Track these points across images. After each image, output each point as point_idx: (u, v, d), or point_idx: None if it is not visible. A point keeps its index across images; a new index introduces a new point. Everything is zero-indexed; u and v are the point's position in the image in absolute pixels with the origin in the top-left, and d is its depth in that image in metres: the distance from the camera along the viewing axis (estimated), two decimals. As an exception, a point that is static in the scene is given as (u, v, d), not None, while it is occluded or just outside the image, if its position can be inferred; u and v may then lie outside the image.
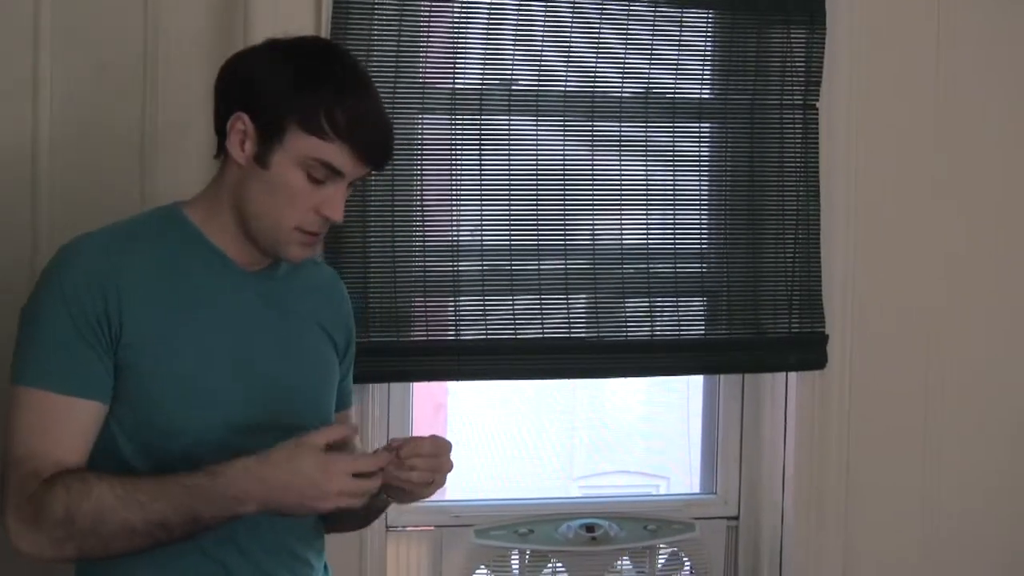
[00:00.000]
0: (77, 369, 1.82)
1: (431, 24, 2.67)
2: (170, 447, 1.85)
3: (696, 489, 3.11)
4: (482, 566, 2.89)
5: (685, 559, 2.99)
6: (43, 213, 2.50)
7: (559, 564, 2.92)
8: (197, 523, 1.79)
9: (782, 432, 2.98)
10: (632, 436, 3.18)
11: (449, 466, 2.02)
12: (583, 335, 2.78)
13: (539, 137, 2.74)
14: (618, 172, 2.79)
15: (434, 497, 2.98)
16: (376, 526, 2.72)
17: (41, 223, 2.50)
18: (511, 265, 2.73)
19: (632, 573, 2.97)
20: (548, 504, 2.97)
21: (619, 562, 2.94)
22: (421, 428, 2.89)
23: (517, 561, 2.90)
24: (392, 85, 2.62)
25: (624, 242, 2.80)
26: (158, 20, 2.55)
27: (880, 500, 3.02)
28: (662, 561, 2.98)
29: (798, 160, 2.89)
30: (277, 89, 1.86)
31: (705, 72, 2.84)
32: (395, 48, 2.63)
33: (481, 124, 2.70)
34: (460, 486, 3.07)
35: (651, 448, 3.19)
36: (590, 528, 2.90)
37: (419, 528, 2.90)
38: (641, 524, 2.95)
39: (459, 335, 2.70)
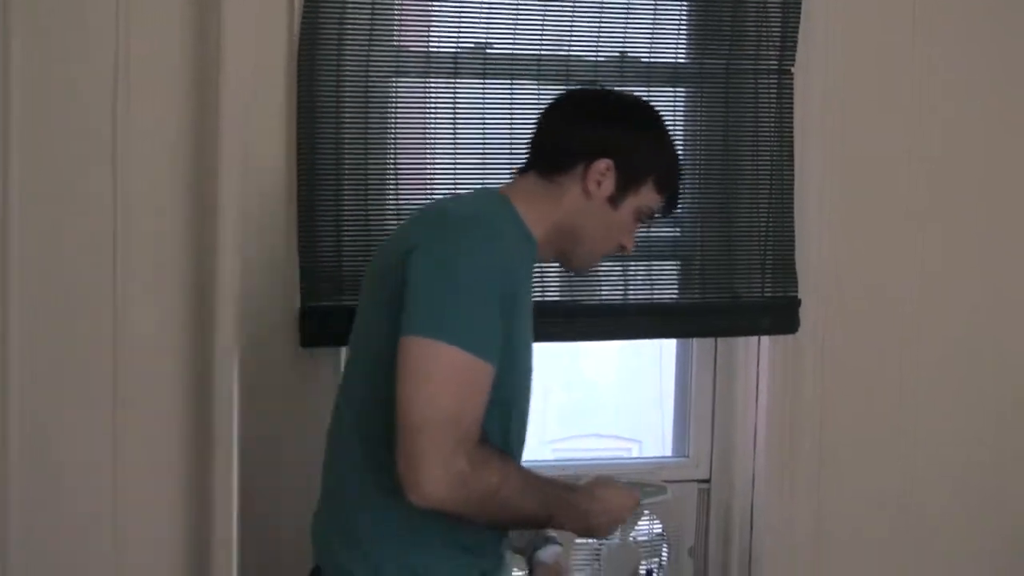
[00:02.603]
0: (496, 339, 2.06)
1: (405, -13, 2.75)
2: (496, 415, 2.10)
3: (668, 452, 3.22)
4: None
5: (656, 521, 3.13)
6: (13, 215, 2.60)
7: (531, 528, 3.07)
8: (547, 523, 2.17)
9: (754, 396, 3.09)
10: (605, 400, 3.29)
11: None
12: (556, 299, 2.88)
13: (514, 101, 2.83)
14: (593, 136, 2.90)
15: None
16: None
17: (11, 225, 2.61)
18: (484, 228, 2.84)
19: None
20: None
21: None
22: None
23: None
24: (366, 48, 2.72)
25: (598, 206, 2.92)
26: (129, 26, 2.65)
27: (852, 463, 3.14)
28: (634, 523, 3.10)
29: (772, 125, 2.99)
30: (646, 150, 2.30)
31: (680, 37, 2.95)
32: (369, 11, 2.72)
33: (456, 88, 2.80)
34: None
35: (624, 412, 3.29)
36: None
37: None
38: (612, 490, 3.09)
39: (432, 298, 2.82)
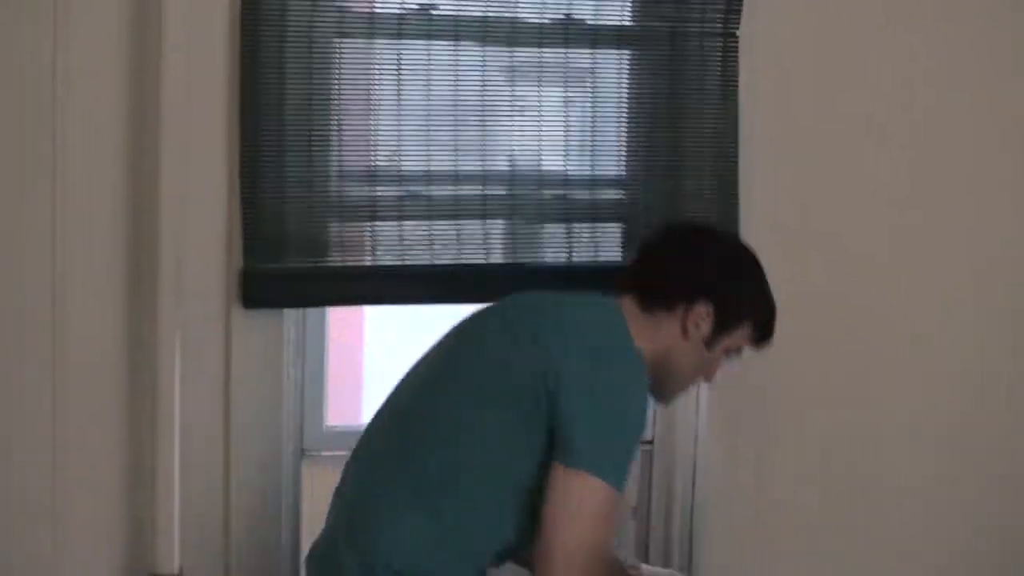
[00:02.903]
0: None
1: (349, -54, 2.75)
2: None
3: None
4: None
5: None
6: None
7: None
8: None
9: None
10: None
11: None
12: (501, 260, 2.90)
13: (459, 62, 2.83)
14: (537, 99, 2.91)
15: (348, 421, 3.15)
16: (289, 450, 2.88)
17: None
18: (429, 191, 2.84)
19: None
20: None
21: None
22: (337, 354, 3.00)
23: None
24: (309, 9, 2.71)
25: (543, 168, 2.92)
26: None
27: (795, 421, 3.18)
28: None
29: (717, 88, 3.00)
30: (746, 297, 2.50)
31: (626, -1, 2.95)
32: (313, -29, 2.71)
33: (400, 49, 2.80)
34: (374, 410, 3.19)
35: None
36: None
37: (334, 453, 3.02)
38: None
39: (376, 260, 2.82)
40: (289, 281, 2.77)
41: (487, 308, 2.55)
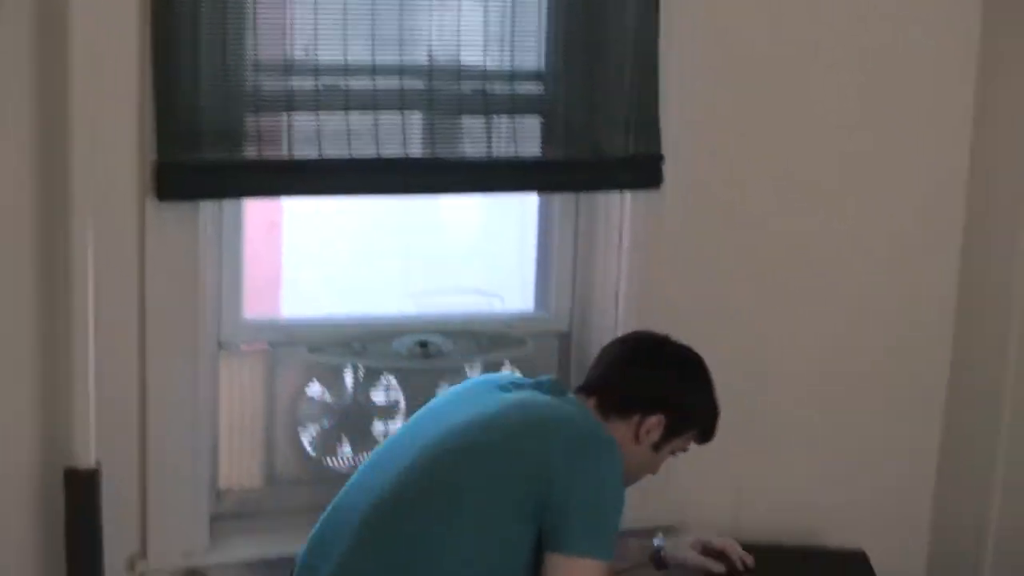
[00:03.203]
0: None
1: None
2: None
3: (529, 307, 3.29)
4: (315, 382, 3.05)
5: (517, 373, 3.18)
6: None
7: (392, 379, 3.11)
8: None
9: (616, 251, 3.15)
10: (467, 255, 3.31)
11: None
12: (419, 153, 2.89)
13: (376, -49, 2.79)
14: (456, -10, 2.87)
15: (266, 315, 3.16)
16: (206, 344, 2.88)
17: None
18: (346, 83, 2.81)
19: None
20: (381, 320, 3.12)
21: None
22: (254, 247, 2.99)
23: (351, 377, 3.08)
24: None
25: (462, 61, 2.90)
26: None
27: (709, 319, 3.22)
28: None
29: (638, -19, 2.98)
30: (695, 407, 2.71)
31: None
32: None
33: (316, -63, 2.75)
34: (293, 304, 3.19)
35: (486, 267, 3.33)
36: (423, 344, 3.08)
37: (252, 346, 3.05)
38: (474, 340, 3.15)
39: (292, 152, 2.79)
40: (204, 173, 2.75)
41: (487, 391, 2.67)
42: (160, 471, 2.84)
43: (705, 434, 2.77)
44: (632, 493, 2.81)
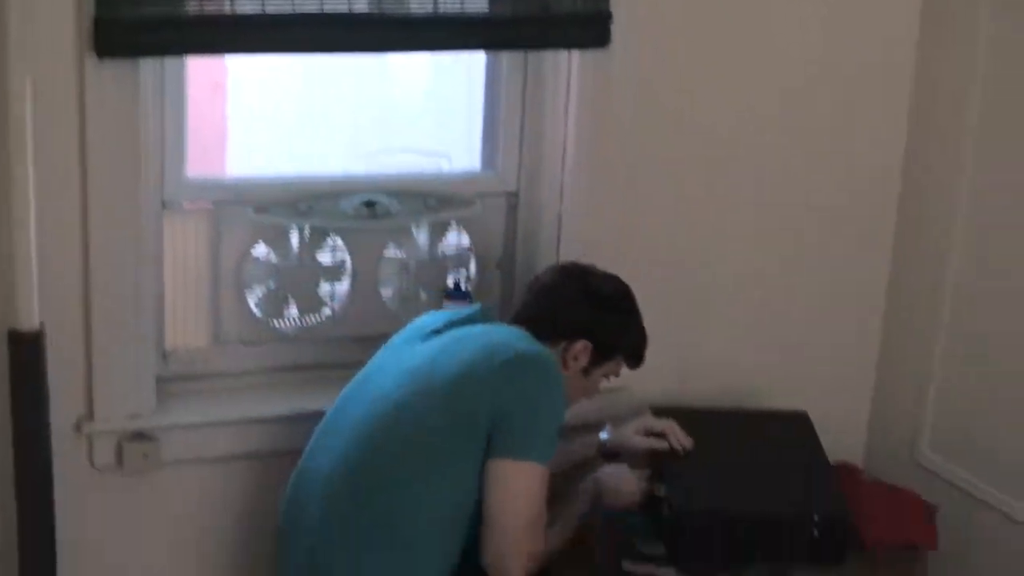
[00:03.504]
0: None
1: None
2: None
3: (477, 166, 3.28)
4: (261, 243, 3.04)
5: (464, 233, 3.22)
6: None
7: (339, 240, 3.10)
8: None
9: (563, 110, 3.13)
10: (415, 114, 3.29)
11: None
12: (365, 9, 2.84)
13: None
14: None
15: (211, 173, 3.13)
16: (149, 203, 2.85)
17: None
18: (288, -64, 2.75)
19: (414, 247, 3.18)
20: (328, 180, 3.10)
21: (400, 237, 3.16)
22: (199, 108, 2.95)
23: (296, 238, 3.06)
24: None
25: (408, -85, 2.84)
26: None
27: (658, 180, 3.24)
28: (442, 236, 3.19)
29: None
30: (620, 333, 2.84)
31: None
32: None
33: None
34: (239, 162, 3.16)
35: (433, 126, 3.31)
36: (370, 204, 3.06)
37: (196, 206, 3.01)
38: (422, 200, 3.13)
39: (235, 7, 2.73)
40: (144, 29, 2.69)
41: (423, 338, 2.78)
42: (105, 332, 2.83)
43: (634, 359, 2.88)
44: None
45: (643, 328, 2.89)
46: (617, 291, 2.87)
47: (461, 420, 2.59)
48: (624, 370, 2.90)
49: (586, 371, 2.82)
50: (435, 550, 2.62)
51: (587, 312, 2.80)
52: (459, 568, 2.65)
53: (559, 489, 2.79)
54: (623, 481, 2.87)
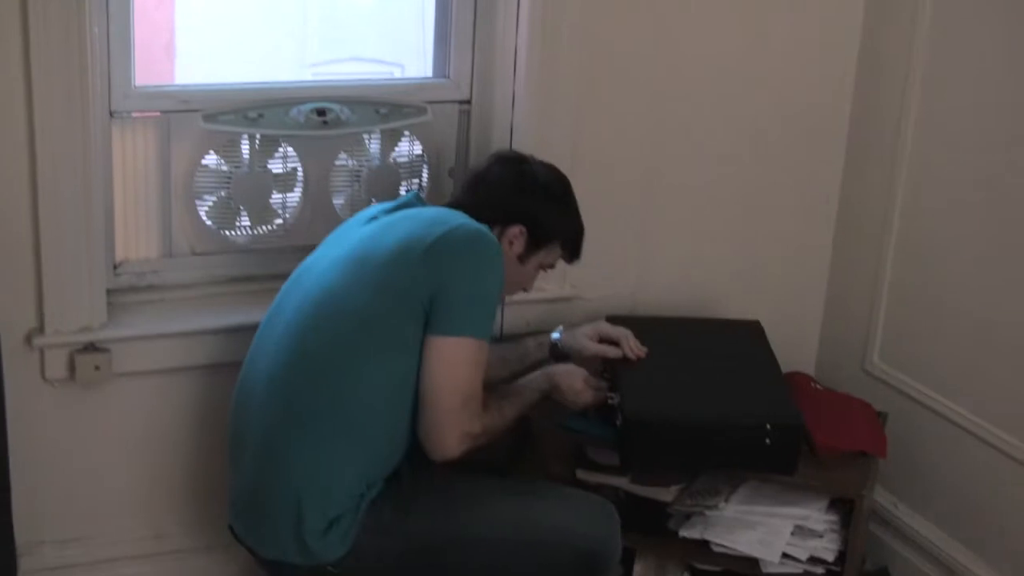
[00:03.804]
0: None
1: None
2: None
3: (429, 74, 3.25)
4: (211, 152, 3.01)
5: (416, 141, 3.20)
6: None
7: (289, 148, 3.07)
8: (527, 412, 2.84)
9: (515, 16, 3.10)
10: (366, 22, 3.27)
11: None
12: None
13: None
14: None
15: (160, 80, 3.08)
16: (97, 113, 2.81)
17: None
18: None
19: (366, 156, 3.16)
20: (278, 88, 3.08)
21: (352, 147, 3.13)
22: (145, 15, 2.91)
23: (247, 146, 3.03)
24: None
25: None
26: None
27: (611, 82, 3.23)
28: (395, 144, 3.17)
29: None
30: (555, 219, 2.84)
31: None
32: None
33: None
34: (187, 67, 3.13)
35: (385, 35, 3.29)
36: (321, 112, 3.03)
37: (144, 114, 2.97)
38: (373, 108, 3.11)
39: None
40: None
41: (364, 222, 2.77)
42: (54, 245, 2.82)
43: (571, 250, 2.90)
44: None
45: (579, 217, 2.89)
46: (553, 177, 2.87)
47: (399, 298, 2.58)
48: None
49: (521, 258, 2.82)
50: (385, 430, 2.62)
51: (522, 197, 2.81)
52: (414, 449, 2.66)
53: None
54: (576, 379, 2.87)
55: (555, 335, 3.03)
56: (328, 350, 2.60)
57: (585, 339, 3.00)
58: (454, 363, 2.58)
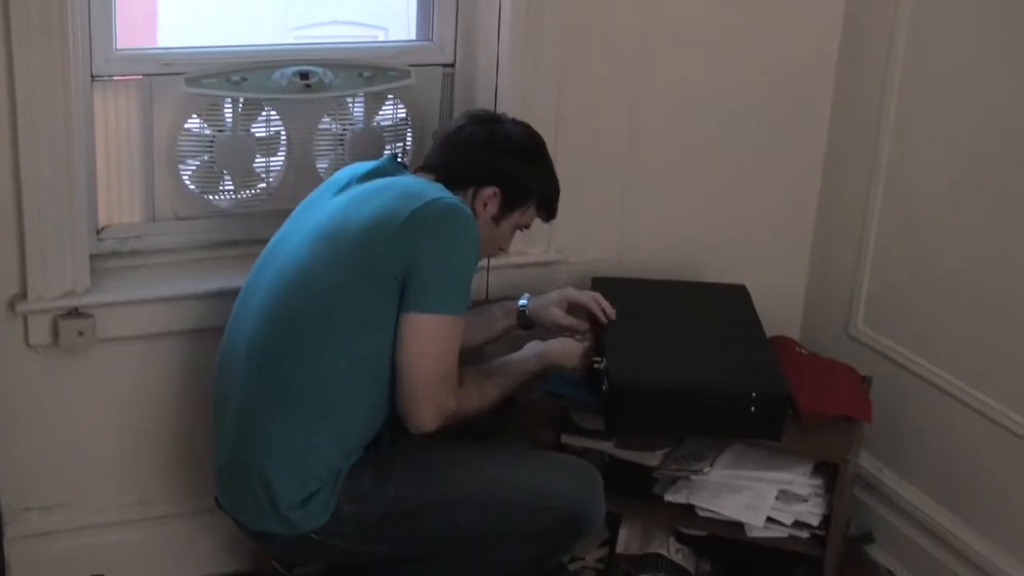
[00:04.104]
0: None
1: None
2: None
3: (413, 37, 3.24)
4: (194, 116, 2.99)
5: (400, 105, 3.19)
6: None
7: (273, 112, 3.06)
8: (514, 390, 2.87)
9: (499, -21, 3.09)
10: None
11: None
12: None
13: None
14: None
15: (141, 43, 3.07)
16: (78, 76, 2.79)
17: None
18: None
19: (349, 120, 3.16)
20: (261, 51, 3.07)
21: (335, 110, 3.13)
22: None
23: (230, 109, 3.02)
24: None
25: None
26: None
27: (595, 46, 3.22)
28: (378, 108, 3.16)
29: None
30: (529, 179, 2.82)
31: None
32: None
33: None
34: (169, 32, 3.11)
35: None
36: (304, 75, 3.02)
37: (127, 77, 2.96)
38: (357, 71, 3.10)
39: None
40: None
41: (337, 189, 2.76)
42: (37, 211, 2.81)
43: (546, 209, 2.88)
44: (519, 236, 2.89)
45: (554, 176, 2.88)
46: (527, 136, 2.85)
47: (373, 274, 2.57)
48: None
49: (496, 219, 2.81)
50: (362, 404, 2.63)
51: (495, 156, 2.79)
52: (395, 417, 2.67)
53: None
54: (574, 358, 2.91)
55: (522, 302, 3.02)
56: (303, 326, 2.60)
57: (553, 308, 2.99)
58: (429, 340, 2.59)
